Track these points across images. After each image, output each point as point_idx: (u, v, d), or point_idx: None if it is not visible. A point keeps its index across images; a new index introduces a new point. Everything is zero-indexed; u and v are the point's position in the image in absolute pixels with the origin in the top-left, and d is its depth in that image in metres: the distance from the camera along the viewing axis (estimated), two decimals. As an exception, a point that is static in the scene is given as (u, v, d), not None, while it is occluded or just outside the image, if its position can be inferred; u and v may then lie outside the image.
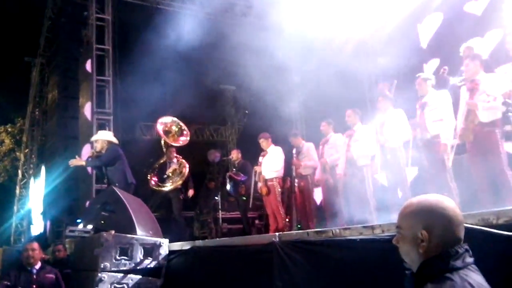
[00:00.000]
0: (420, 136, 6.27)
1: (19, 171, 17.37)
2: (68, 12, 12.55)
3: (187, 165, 8.79)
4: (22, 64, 16.45)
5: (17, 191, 17.10)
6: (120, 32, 11.47)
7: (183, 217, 9.38)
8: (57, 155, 12.28)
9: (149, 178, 8.71)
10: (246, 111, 15.91)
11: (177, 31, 10.11)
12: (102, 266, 5.48)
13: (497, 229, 2.42)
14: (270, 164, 8.27)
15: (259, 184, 8.42)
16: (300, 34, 9.67)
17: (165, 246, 6.11)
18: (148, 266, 5.91)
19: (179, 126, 8.78)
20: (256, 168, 8.51)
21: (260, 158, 8.47)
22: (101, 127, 10.24)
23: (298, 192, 8.26)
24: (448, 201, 1.73)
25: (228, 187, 9.64)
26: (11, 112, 18.40)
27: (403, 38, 9.21)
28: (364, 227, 3.50)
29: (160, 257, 6.01)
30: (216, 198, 10.36)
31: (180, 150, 9.06)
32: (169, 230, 7.44)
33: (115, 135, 8.26)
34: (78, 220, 7.69)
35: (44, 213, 13.83)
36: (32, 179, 16.72)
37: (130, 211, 6.00)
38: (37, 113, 16.77)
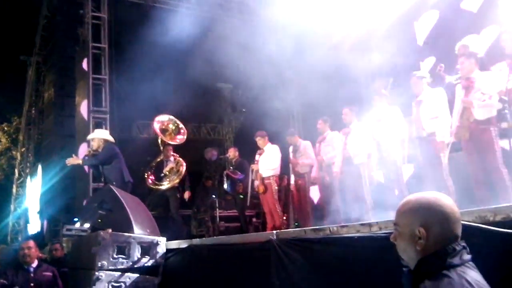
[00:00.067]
0: (416, 133, 6.30)
1: (16, 170, 17.34)
2: (64, 11, 12.49)
3: (184, 164, 8.78)
4: (18, 62, 16.39)
5: (14, 190, 17.06)
6: (116, 31, 11.43)
7: (181, 215, 9.38)
8: (54, 153, 12.25)
9: (146, 176, 8.71)
10: (243, 109, 15.90)
11: (173, 29, 10.10)
12: (99, 265, 5.48)
13: (494, 226, 2.43)
14: (267, 162, 8.28)
15: (256, 182, 8.43)
16: (297, 32, 9.68)
17: (163, 244, 6.11)
18: (146, 264, 5.91)
19: (176, 125, 8.78)
20: (253, 166, 8.52)
21: (257, 156, 8.47)
22: (98, 125, 10.21)
23: (295, 190, 8.29)
24: (446, 199, 1.73)
25: (225, 185, 9.64)
26: (7, 111, 18.33)
27: (400, 36, 9.21)
28: (361, 224, 3.51)
29: (158, 256, 6.02)
30: (213, 196, 10.35)
31: (177, 149, 9.06)
32: (166, 228, 7.43)
33: (111, 134, 8.24)
34: (75, 219, 7.67)
35: (41, 212, 13.80)
36: (28, 178, 16.69)
37: (128, 209, 6.00)
38: (33, 111, 16.71)
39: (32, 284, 5.89)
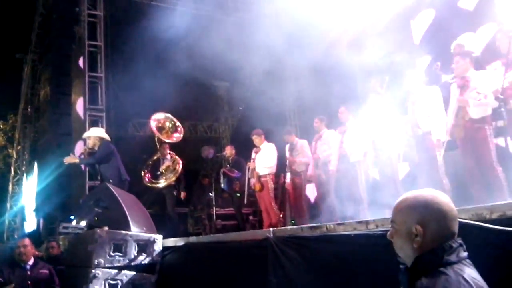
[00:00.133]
0: (411, 132, 6.31)
1: (12, 168, 17.31)
2: (59, 8, 12.43)
3: (180, 162, 8.78)
4: (14, 60, 16.35)
5: (10, 188, 17.04)
6: (112, 29, 11.41)
7: (177, 213, 9.38)
8: (50, 151, 12.20)
9: (142, 174, 8.70)
10: (240, 108, 15.89)
11: (169, 27, 10.07)
12: (96, 263, 5.48)
13: (490, 224, 2.44)
14: (264, 161, 8.29)
15: (252, 181, 8.44)
16: (293, 30, 9.67)
17: (159, 242, 6.12)
18: (142, 262, 5.91)
19: (172, 123, 8.77)
20: (250, 164, 8.53)
21: (253, 155, 8.48)
22: (94, 123, 10.20)
23: (292, 189, 8.30)
24: (443, 196, 1.74)
25: (222, 183, 9.63)
26: (3, 109, 18.32)
27: (396, 34, 9.22)
28: (358, 222, 3.52)
29: (154, 253, 6.02)
30: (210, 194, 10.35)
31: (174, 147, 9.05)
32: (163, 226, 7.44)
33: (108, 132, 8.24)
34: (72, 217, 7.67)
35: (37, 210, 13.77)
36: (24, 176, 16.67)
37: (124, 207, 6.00)
38: (29, 109, 16.68)
39: (29, 282, 5.90)
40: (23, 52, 16.12)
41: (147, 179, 8.67)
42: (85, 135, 8.07)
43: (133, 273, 5.80)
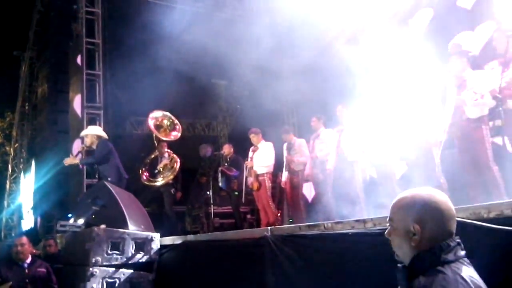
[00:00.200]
0: (409, 131, 6.31)
1: (9, 166, 17.28)
2: (57, 5, 12.41)
3: (178, 160, 8.76)
4: (11, 58, 16.31)
5: (7, 186, 17.03)
6: (111, 26, 11.37)
7: (175, 211, 9.38)
8: (48, 149, 12.19)
9: (140, 173, 8.69)
10: (238, 106, 15.87)
11: (168, 25, 10.05)
12: (93, 261, 5.47)
13: (488, 223, 2.44)
14: (261, 160, 8.30)
15: (250, 179, 8.44)
16: (291, 28, 9.67)
17: (157, 240, 6.11)
18: (140, 260, 5.91)
19: (170, 121, 8.74)
20: (247, 163, 8.53)
21: (250, 153, 8.49)
22: (92, 121, 10.17)
23: (289, 187, 8.31)
24: (441, 195, 1.74)
25: (220, 182, 9.63)
26: (0, 107, 18.26)
27: (395, 34, 9.21)
28: (356, 221, 3.52)
29: (152, 252, 6.02)
30: (208, 193, 10.35)
31: (172, 145, 9.04)
32: (160, 224, 7.44)
33: (105, 130, 8.21)
34: (69, 215, 7.65)
35: (34, 208, 13.76)
36: (22, 173, 16.64)
37: (122, 205, 5.99)
38: (27, 107, 16.65)
39: (26, 281, 5.89)
40: (21, 50, 16.10)
41: (145, 177, 8.65)
42: (82, 133, 8.06)
43: (131, 271, 5.79)
